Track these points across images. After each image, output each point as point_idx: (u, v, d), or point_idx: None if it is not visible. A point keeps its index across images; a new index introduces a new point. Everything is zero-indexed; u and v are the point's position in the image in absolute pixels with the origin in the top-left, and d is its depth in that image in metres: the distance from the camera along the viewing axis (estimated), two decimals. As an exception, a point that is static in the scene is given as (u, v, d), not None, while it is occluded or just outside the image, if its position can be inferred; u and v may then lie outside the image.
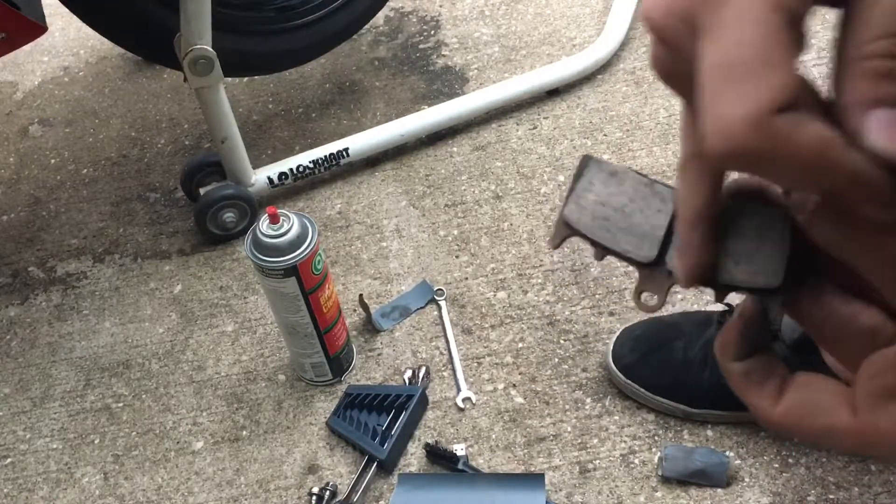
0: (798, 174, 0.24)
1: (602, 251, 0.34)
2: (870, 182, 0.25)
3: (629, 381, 0.94)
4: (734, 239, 0.31)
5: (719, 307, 0.95)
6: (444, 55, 1.51)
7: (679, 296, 1.05)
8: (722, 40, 0.24)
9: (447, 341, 1.06)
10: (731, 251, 0.31)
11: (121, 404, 1.06)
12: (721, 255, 0.31)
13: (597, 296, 1.07)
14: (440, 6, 1.62)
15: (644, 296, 0.33)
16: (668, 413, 0.94)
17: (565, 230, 0.34)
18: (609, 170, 0.34)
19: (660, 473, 0.89)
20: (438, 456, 0.93)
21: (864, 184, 0.25)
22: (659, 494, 0.88)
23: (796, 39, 0.24)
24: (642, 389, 0.93)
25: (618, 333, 0.98)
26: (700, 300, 1.05)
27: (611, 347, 0.97)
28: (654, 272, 0.33)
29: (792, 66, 0.24)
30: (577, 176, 0.34)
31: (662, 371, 0.92)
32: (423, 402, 0.99)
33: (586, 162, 0.34)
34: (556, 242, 0.35)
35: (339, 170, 1.29)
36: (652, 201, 0.33)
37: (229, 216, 1.20)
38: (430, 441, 0.95)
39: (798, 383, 0.31)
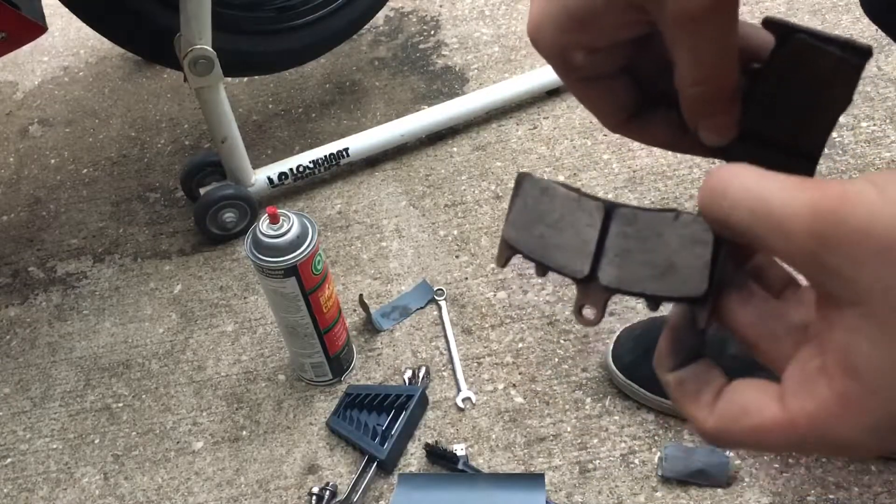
0: None
1: (541, 267, 0.34)
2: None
3: (629, 381, 0.94)
4: (657, 250, 0.31)
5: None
6: (444, 55, 1.51)
7: (679, 296, 1.05)
8: None
9: (447, 341, 1.06)
10: (654, 263, 0.31)
11: (121, 404, 1.06)
12: (644, 267, 0.32)
13: (597, 296, 1.07)
14: (440, 6, 1.62)
15: (584, 310, 0.34)
16: (668, 413, 0.94)
17: (507, 249, 0.35)
18: (541, 186, 0.34)
19: (660, 473, 0.89)
20: (438, 456, 0.93)
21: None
22: (659, 494, 0.88)
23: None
24: (642, 389, 0.93)
25: (618, 333, 0.98)
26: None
27: (611, 347, 0.97)
28: (589, 286, 0.33)
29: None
30: (514, 195, 0.35)
31: (662, 371, 0.92)
32: (423, 402, 0.99)
33: (521, 180, 0.35)
34: (502, 262, 0.36)
35: (339, 170, 1.29)
36: (581, 216, 0.33)
37: (229, 216, 1.20)
38: (430, 441, 0.95)
39: (730, 389, 0.30)
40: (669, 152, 1.24)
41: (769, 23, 0.34)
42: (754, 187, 0.27)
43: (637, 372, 0.94)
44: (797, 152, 0.35)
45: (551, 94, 1.37)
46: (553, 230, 0.33)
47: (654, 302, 0.32)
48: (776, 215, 0.26)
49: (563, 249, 0.33)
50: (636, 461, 0.91)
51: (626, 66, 0.37)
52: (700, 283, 0.30)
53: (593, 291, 0.33)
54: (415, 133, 1.31)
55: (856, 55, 0.32)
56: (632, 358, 0.94)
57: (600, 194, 1.20)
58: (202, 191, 1.21)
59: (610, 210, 0.33)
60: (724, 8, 0.31)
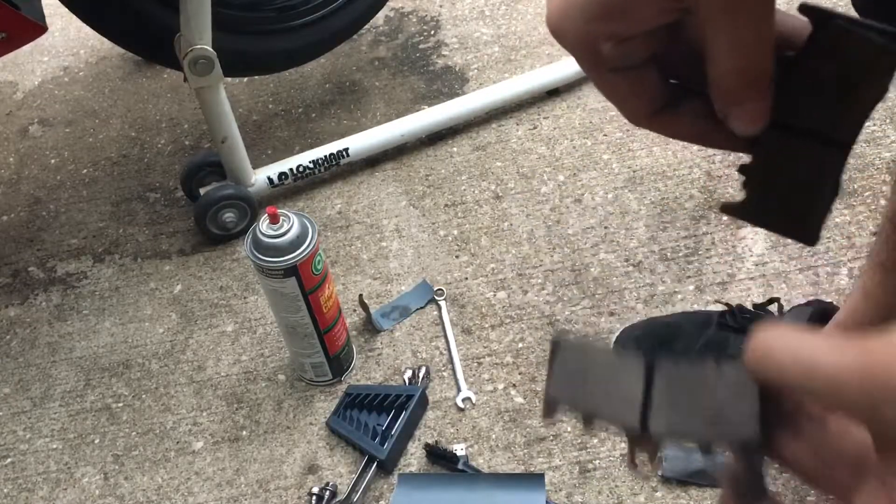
0: None
1: (589, 421, 0.35)
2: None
3: (629, 382, 0.94)
4: (704, 399, 0.32)
5: (719, 307, 0.95)
6: (444, 55, 1.51)
7: (679, 296, 1.05)
8: None
9: (447, 341, 1.06)
10: (703, 411, 0.32)
11: (121, 404, 1.06)
12: (693, 416, 0.33)
13: (597, 296, 1.07)
14: (440, 6, 1.62)
15: (637, 460, 0.35)
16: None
17: (553, 408, 0.36)
18: (580, 347, 0.36)
19: (660, 473, 0.89)
20: (438, 456, 0.93)
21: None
22: (659, 494, 0.88)
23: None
24: (642, 390, 0.93)
25: (617, 334, 0.98)
26: (700, 301, 1.05)
27: (611, 348, 0.97)
28: (641, 437, 0.34)
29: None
30: (552, 357, 0.36)
31: (662, 371, 0.92)
32: (423, 402, 0.99)
33: (557, 344, 0.36)
34: (549, 419, 0.39)
35: (339, 170, 1.29)
36: (624, 373, 0.34)
37: (229, 216, 1.20)
38: (430, 441, 0.95)
39: None
40: (670, 152, 1.24)
41: (805, 8, 0.33)
42: (800, 352, 0.27)
43: None
44: (829, 142, 0.35)
45: (551, 94, 1.37)
46: (598, 388, 0.35)
47: (706, 447, 0.33)
48: (827, 378, 0.27)
49: (611, 405, 0.34)
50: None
51: (654, 55, 0.35)
52: (752, 427, 0.31)
53: (644, 441, 0.34)
54: (415, 133, 1.31)
55: (895, 42, 0.31)
56: None
57: (600, 194, 1.21)
58: (202, 191, 1.21)
59: (652, 364, 0.34)
60: None
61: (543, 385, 0.39)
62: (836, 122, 0.35)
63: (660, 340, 0.94)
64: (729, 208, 0.40)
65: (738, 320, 0.90)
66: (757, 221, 0.40)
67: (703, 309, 1.02)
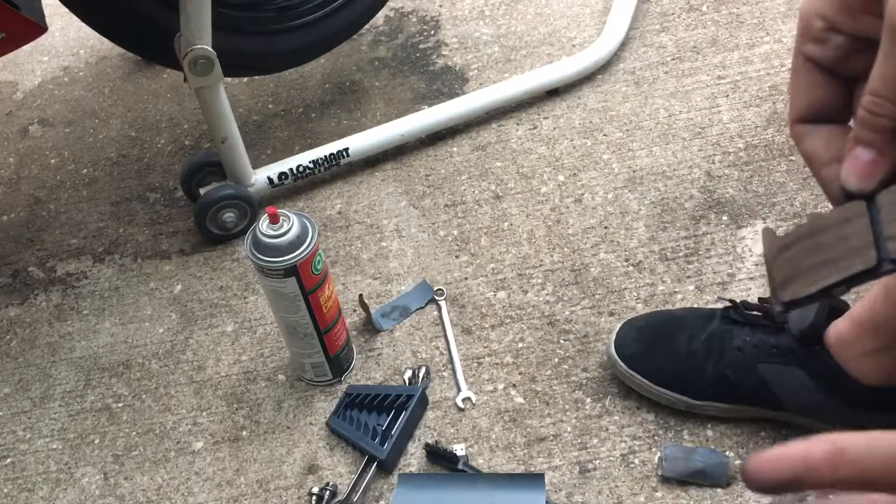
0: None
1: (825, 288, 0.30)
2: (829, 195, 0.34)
3: (632, 372, 0.94)
4: None
5: (722, 304, 0.95)
6: (444, 55, 1.51)
7: (679, 296, 1.05)
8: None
9: (447, 341, 1.06)
10: None
11: (121, 404, 1.06)
12: None
13: (597, 296, 1.07)
14: (440, 6, 1.62)
15: None
16: (670, 406, 0.93)
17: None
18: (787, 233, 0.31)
19: (660, 473, 0.89)
20: (438, 456, 0.93)
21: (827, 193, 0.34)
22: (659, 494, 0.88)
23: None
24: (645, 380, 0.93)
25: (621, 324, 0.97)
26: (700, 300, 1.05)
27: (613, 338, 0.96)
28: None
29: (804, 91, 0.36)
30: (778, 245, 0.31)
31: (665, 362, 0.92)
32: (423, 402, 0.99)
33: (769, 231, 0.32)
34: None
35: (339, 170, 1.29)
36: (847, 218, 0.30)
37: (229, 216, 1.20)
38: (430, 441, 0.95)
39: None
40: (670, 152, 1.24)
41: None
42: None
43: (640, 362, 0.93)
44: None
45: (551, 94, 1.37)
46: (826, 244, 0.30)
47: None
48: None
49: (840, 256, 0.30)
50: (636, 461, 0.91)
51: (840, 61, 0.35)
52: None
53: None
54: (415, 133, 1.31)
55: None
56: (635, 348, 0.94)
57: (600, 194, 1.21)
58: (202, 191, 1.21)
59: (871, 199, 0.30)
60: None
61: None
62: None
63: (663, 332, 0.94)
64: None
65: (743, 315, 0.90)
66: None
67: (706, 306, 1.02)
